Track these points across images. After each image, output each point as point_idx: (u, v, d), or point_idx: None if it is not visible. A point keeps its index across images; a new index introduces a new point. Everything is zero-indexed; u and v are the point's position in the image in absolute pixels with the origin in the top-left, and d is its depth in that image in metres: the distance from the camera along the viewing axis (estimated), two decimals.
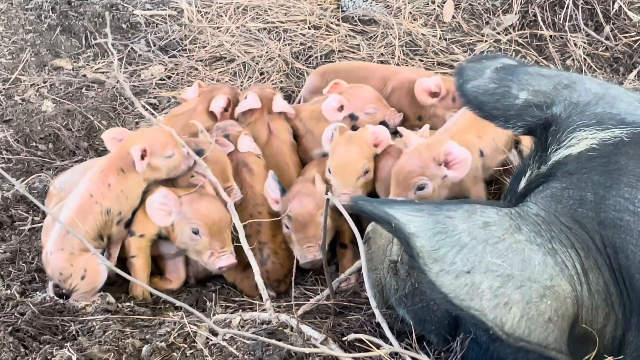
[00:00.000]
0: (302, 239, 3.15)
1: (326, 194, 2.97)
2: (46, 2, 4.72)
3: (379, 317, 2.60)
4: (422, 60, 4.45)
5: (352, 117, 3.55)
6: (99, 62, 4.51)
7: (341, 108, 3.54)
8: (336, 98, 3.55)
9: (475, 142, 3.15)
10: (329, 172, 3.25)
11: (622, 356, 2.29)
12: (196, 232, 3.06)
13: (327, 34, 4.61)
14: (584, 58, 4.49)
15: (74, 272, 3.01)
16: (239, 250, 3.08)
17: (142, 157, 3.10)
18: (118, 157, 3.15)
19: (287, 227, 3.20)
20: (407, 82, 3.70)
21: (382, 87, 3.74)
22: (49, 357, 2.54)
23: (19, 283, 3.02)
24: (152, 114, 3.78)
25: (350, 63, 4.30)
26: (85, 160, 3.77)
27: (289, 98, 4.25)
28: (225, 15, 4.76)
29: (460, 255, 2.15)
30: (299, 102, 4.00)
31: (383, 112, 3.57)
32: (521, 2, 4.67)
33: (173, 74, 4.43)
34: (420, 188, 3.03)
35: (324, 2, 4.84)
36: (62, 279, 3.02)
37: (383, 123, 3.50)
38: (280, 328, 2.63)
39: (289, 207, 3.17)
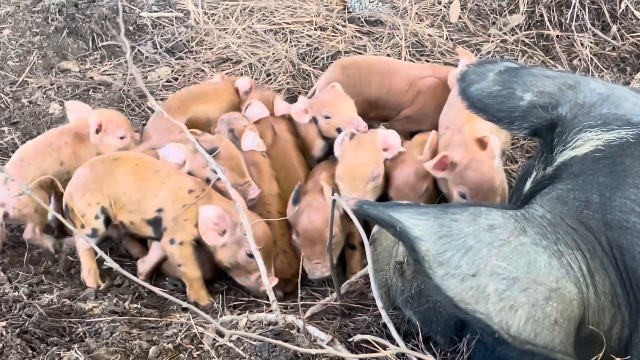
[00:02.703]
0: (310, 255, 3.15)
1: (332, 194, 2.97)
2: (53, 4, 4.73)
3: (385, 318, 2.60)
4: (428, 61, 4.44)
5: (315, 120, 3.54)
6: (106, 64, 4.52)
7: (306, 111, 3.55)
8: (302, 101, 3.56)
9: (485, 124, 3.15)
10: (338, 177, 3.25)
11: (629, 357, 2.28)
12: (251, 256, 3.03)
13: (333, 35, 4.62)
14: (591, 58, 4.48)
15: None
16: None
17: (97, 132, 3.40)
18: (76, 126, 3.43)
19: (295, 242, 3.20)
20: (434, 86, 3.67)
21: (407, 88, 3.72)
22: (56, 359, 2.55)
23: (26, 285, 3.02)
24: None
25: (373, 57, 4.29)
26: None
27: (295, 99, 4.25)
28: (232, 17, 4.77)
29: (466, 259, 2.14)
30: (313, 94, 4.00)
31: (339, 119, 3.48)
32: (528, 2, 4.67)
33: (180, 75, 4.44)
34: None
35: (330, 3, 4.85)
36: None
37: (338, 130, 3.44)
38: (286, 329, 2.64)
39: (297, 222, 3.17)
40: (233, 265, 3.11)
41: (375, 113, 3.79)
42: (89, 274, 3.14)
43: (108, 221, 3.13)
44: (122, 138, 3.41)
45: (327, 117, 3.49)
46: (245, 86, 3.81)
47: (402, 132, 3.57)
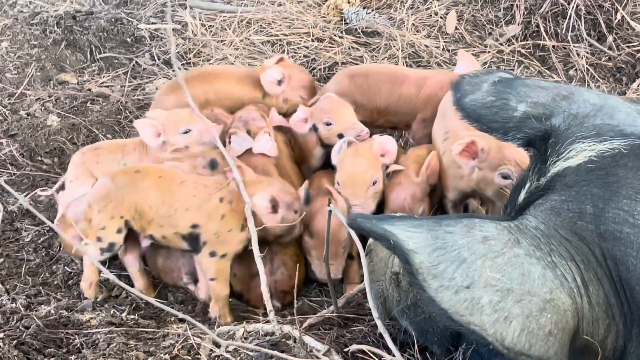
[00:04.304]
0: (323, 256, 3.15)
1: (328, 205, 2.99)
2: (51, 17, 4.76)
3: (381, 328, 2.61)
4: None
5: (315, 128, 3.55)
6: (103, 76, 4.54)
7: (306, 120, 3.55)
8: (302, 110, 3.56)
9: None
10: (338, 184, 3.26)
11: None
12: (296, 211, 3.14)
13: (330, 46, 4.64)
14: (587, 68, 4.50)
15: None
16: (249, 259, 3.07)
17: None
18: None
19: (308, 242, 3.22)
20: (441, 84, 3.62)
21: (416, 92, 3.70)
22: None
23: (24, 296, 3.03)
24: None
25: (379, 65, 4.30)
26: None
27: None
28: (229, 29, 4.78)
29: (460, 271, 2.14)
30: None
31: (341, 125, 3.50)
32: (524, 13, 4.69)
33: None
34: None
35: (327, 14, 4.86)
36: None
37: (340, 136, 3.47)
38: (283, 339, 2.64)
39: (312, 223, 3.18)
40: (287, 232, 3.14)
41: (384, 120, 3.79)
42: (89, 287, 3.10)
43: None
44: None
45: (328, 124, 3.50)
46: (275, 77, 3.73)
47: (423, 137, 3.58)
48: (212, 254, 3.04)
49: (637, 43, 4.60)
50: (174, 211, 3.02)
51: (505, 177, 3.13)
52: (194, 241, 3.04)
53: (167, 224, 3.03)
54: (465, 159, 3.17)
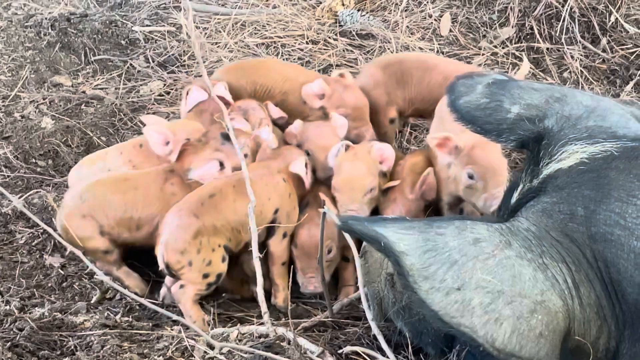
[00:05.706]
0: (305, 268, 3.16)
1: (322, 206, 2.99)
2: (45, 19, 4.75)
3: (374, 330, 2.62)
4: None
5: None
6: (98, 78, 4.54)
7: (296, 136, 3.49)
8: (297, 125, 3.50)
9: None
10: (334, 188, 3.26)
11: None
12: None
13: (325, 49, 4.64)
14: (581, 70, 4.51)
15: None
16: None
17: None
18: None
19: (292, 252, 3.21)
20: None
21: (442, 82, 3.58)
22: None
23: (18, 299, 3.03)
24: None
25: (414, 54, 4.30)
26: None
27: None
28: (224, 31, 4.78)
29: (451, 272, 2.14)
30: None
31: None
32: (518, 15, 4.70)
33: (172, 89, 4.44)
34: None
35: (322, 17, 4.87)
36: None
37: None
38: (277, 341, 2.65)
39: (297, 234, 3.19)
40: None
41: (413, 110, 3.80)
42: (202, 326, 2.95)
43: None
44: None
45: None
46: (315, 91, 3.65)
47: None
48: (284, 235, 3.12)
49: (631, 45, 4.61)
50: (262, 206, 3.05)
51: (469, 176, 3.15)
52: (270, 228, 3.10)
53: (259, 224, 3.00)
54: (443, 152, 3.21)
